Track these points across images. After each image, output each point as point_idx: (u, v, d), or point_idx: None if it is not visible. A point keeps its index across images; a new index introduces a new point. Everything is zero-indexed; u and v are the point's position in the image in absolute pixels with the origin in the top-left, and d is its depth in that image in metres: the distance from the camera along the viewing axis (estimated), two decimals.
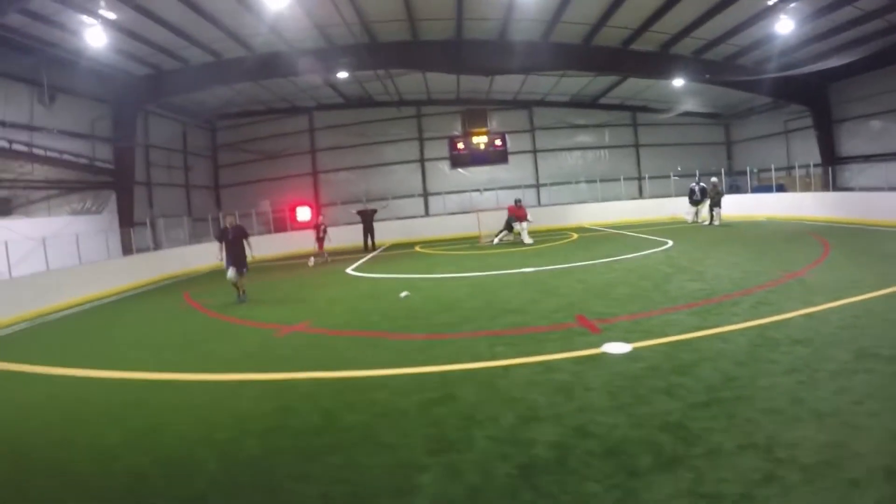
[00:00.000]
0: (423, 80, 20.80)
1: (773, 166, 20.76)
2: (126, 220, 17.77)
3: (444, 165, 26.00)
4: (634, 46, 16.66)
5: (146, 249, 18.53)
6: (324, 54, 15.76)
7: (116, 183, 17.71)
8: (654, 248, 12.75)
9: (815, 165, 19.96)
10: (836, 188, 18.75)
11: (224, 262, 9.93)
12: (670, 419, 3.36)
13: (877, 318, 5.30)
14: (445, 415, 3.81)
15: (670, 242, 13.54)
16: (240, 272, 9.87)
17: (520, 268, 11.16)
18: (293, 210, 24.04)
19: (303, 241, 21.32)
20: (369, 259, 16.53)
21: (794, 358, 4.32)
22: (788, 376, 3.93)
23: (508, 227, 17.01)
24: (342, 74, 17.68)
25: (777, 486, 2.48)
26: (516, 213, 16.86)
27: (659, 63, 17.52)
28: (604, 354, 4.91)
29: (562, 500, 2.56)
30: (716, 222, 18.32)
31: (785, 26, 13.75)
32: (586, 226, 22.24)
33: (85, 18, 12.15)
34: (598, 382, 4.16)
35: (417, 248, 18.73)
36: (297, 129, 25.42)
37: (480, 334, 6.04)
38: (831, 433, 2.97)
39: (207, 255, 12.86)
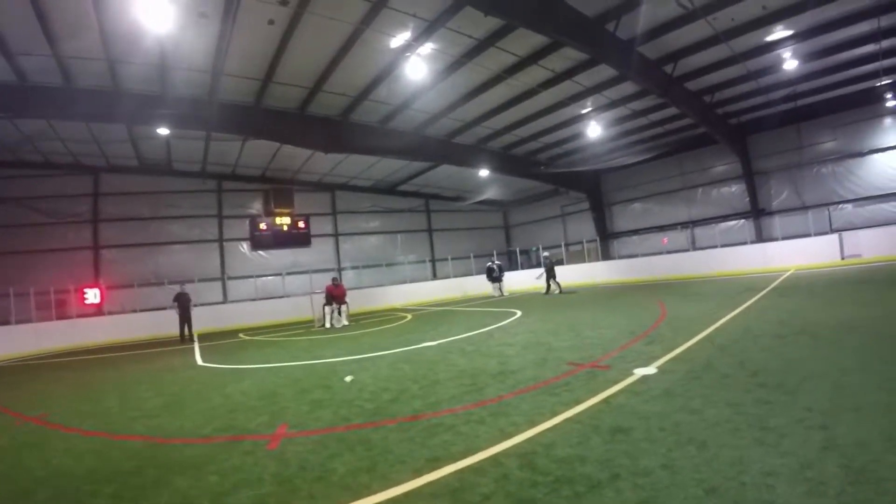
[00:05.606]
0: (237, 151, 19.96)
1: (562, 243, 26.34)
2: None
3: (245, 247, 24.69)
4: (458, 139, 19.67)
5: None
6: (154, 102, 13.78)
7: None
8: (511, 317, 14.09)
9: (591, 241, 26.24)
10: (617, 257, 25.02)
11: None
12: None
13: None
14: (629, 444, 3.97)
15: (519, 312, 15.28)
16: None
17: (417, 343, 10.83)
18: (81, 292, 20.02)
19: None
20: (206, 350, 13.99)
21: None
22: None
23: (329, 302, 17.34)
24: (163, 130, 15.79)
25: None
26: (334, 293, 17.33)
27: (473, 154, 21.09)
28: (646, 376, 5.81)
29: None
30: (556, 291, 20.35)
31: (593, 130, 18.32)
32: (398, 307, 23.57)
33: None
34: (693, 392, 4.98)
35: (242, 336, 17.02)
36: (79, 192, 21.05)
37: (521, 392, 5.87)
38: None
39: None
